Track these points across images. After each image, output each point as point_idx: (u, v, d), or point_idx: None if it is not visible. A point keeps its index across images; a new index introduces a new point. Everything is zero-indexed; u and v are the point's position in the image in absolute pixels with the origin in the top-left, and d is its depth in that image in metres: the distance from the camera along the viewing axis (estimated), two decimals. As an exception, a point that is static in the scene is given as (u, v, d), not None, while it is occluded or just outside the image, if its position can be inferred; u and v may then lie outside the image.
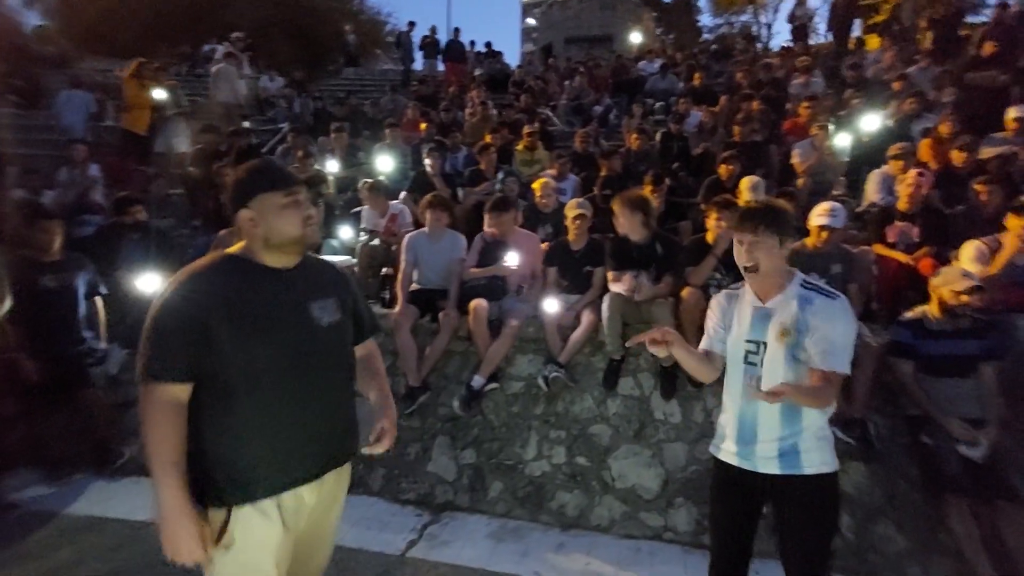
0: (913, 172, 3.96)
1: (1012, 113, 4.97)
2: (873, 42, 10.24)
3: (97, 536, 2.92)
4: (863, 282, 3.68)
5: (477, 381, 3.49)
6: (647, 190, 4.56)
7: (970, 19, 10.47)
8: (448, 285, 3.82)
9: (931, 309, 2.90)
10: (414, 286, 3.93)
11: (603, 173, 5.43)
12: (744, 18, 27.78)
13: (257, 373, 1.43)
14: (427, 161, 5.68)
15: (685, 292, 3.44)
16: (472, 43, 14.29)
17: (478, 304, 3.53)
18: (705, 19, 30.16)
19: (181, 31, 15.72)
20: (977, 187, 3.88)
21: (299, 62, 14.91)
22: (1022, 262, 3.13)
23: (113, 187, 5.28)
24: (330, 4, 19.57)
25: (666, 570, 2.83)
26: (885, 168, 4.74)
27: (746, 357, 1.88)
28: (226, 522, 1.42)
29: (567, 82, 10.37)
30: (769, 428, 1.82)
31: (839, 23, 11.00)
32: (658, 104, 9.05)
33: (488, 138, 6.32)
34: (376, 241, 4.72)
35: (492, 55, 13.72)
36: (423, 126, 7.18)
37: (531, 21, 25.73)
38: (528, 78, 11.27)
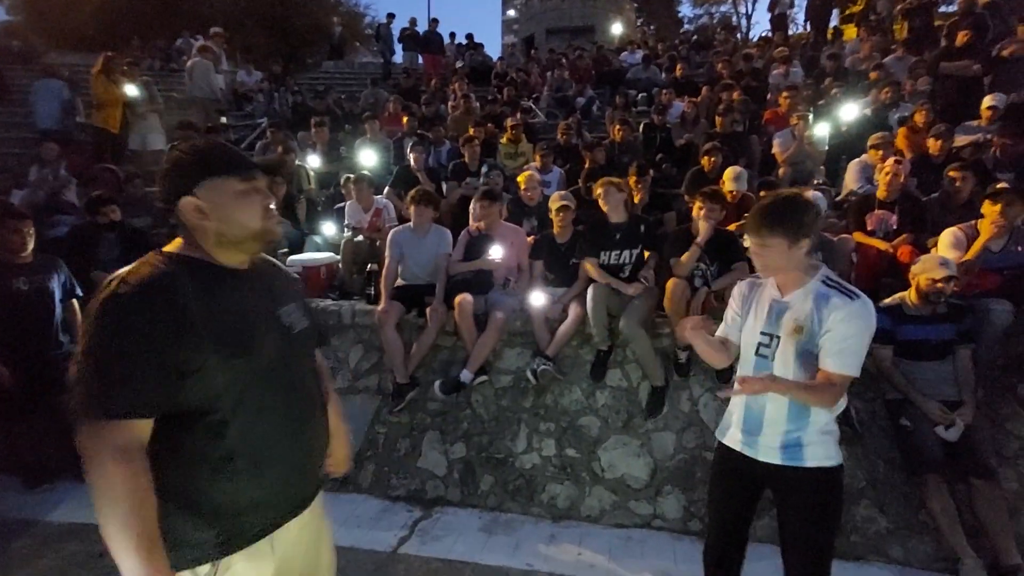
0: (891, 160, 4.02)
1: (986, 102, 5.07)
2: (850, 32, 10.36)
3: (80, 543, 2.84)
4: (843, 270, 3.73)
5: (465, 375, 3.48)
6: (631, 181, 4.58)
7: (945, 9, 10.63)
8: (434, 280, 3.79)
9: (909, 295, 2.97)
10: (399, 282, 3.90)
11: (587, 165, 5.43)
12: (724, 8, 27.98)
13: (241, 395, 1.20)
14: (410, 156, 5.63)
15: (670, 283, 3.46)
16: (452, 35, 14.17)
17: (463, 298, 3.52)
18: (685, 9, 30.34)
19: (154, 25, 15.33)
20: (951, 173, 3.95)
21: (277, 55, 14.65)
22: (997, 248, 3.20)
23: (86, 186, 5.13)
24: (307, -4, 19.25)
25: (656, 557, 2.87)
26: (864, 157, 4.81)
27: (757, 349, 1.86)
28: None
29: (549, 73, 10.33)
30: (775, 421, 1.82)
31: (817, 13, 11.11)
32: (640, 95, 9.07)
33: (472, 131, 6.28)
34: (360, 237, 4.68)
35: (473, 47, 13.60)
36: (404, 120, 7.11)
37: (512, 12, 25.55)
38: (510, 70, 11.20)
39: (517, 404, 3.56)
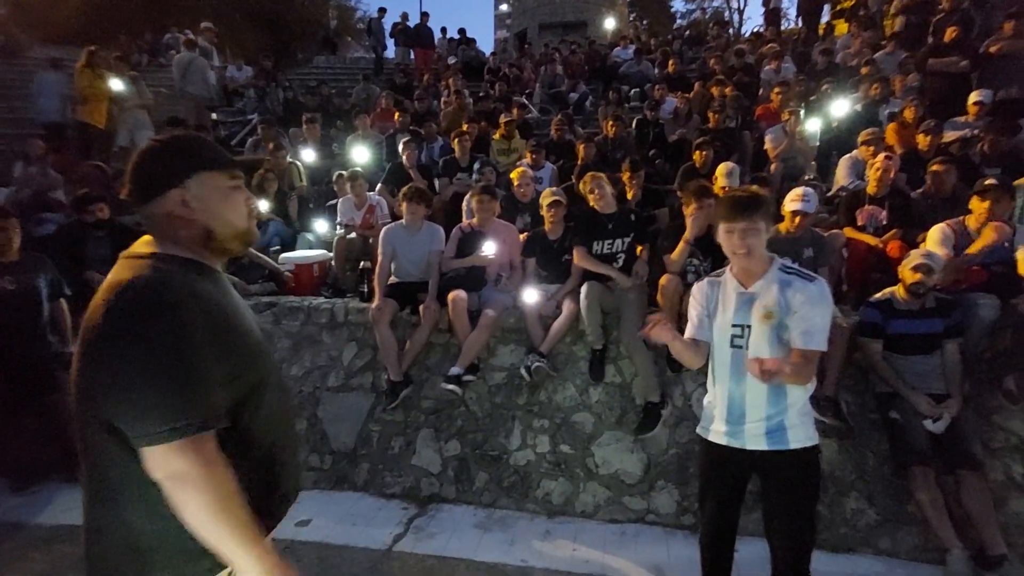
0: (881, 156, 4.05)
1: (973, 97, 5.11)
2: (841, 27, 10.38)
3: (70, 546, 2.83)
4: (833, 265, 3.77)
5: (455, 370, 3.48)
6: (624, 177, 4.59)
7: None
8: (427, 277, 3.79)
9: (898, 290, 3.00)
10: (392, 279, 3.89)
11: (580, 161, 5.43)
12: (716, 3, 27.99)
13: (259, 399, 1.17)
14: (403, 153, 5.61)
15: (664, 279, 3.48)
16: (444, 30, 14.08)
17: (457, 295, 3.52)
18: (678, 4, 30.40)
19: (142, 19, 15.13)
20: (933, 167, 3.99)
21: (267, 50, 14.50)
22: (983, 243, 3.23)
23: (74, 184, 5.07)
24: (298, -11, 19.06)
25: (650, 551, 2.90)
26: (854, 153, 4.84)
27: (732, 341, 1.97)
28: None
29: (542, 69, 10.30)
30: (757, 408, 1.93)
31: (809, 8, 11.14)
32: (633, 91, 9.07)
33: (465, 127, 6.26)
34: (352, 234, 4.66)
35: (466, 42, 13.53)
36: (396, 116, 7.07)
37: (504, 7, 25.42)
38: (503, 65, 11.16)
39: (511, 401, 3.57)
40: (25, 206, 4.88)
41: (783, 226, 3.61)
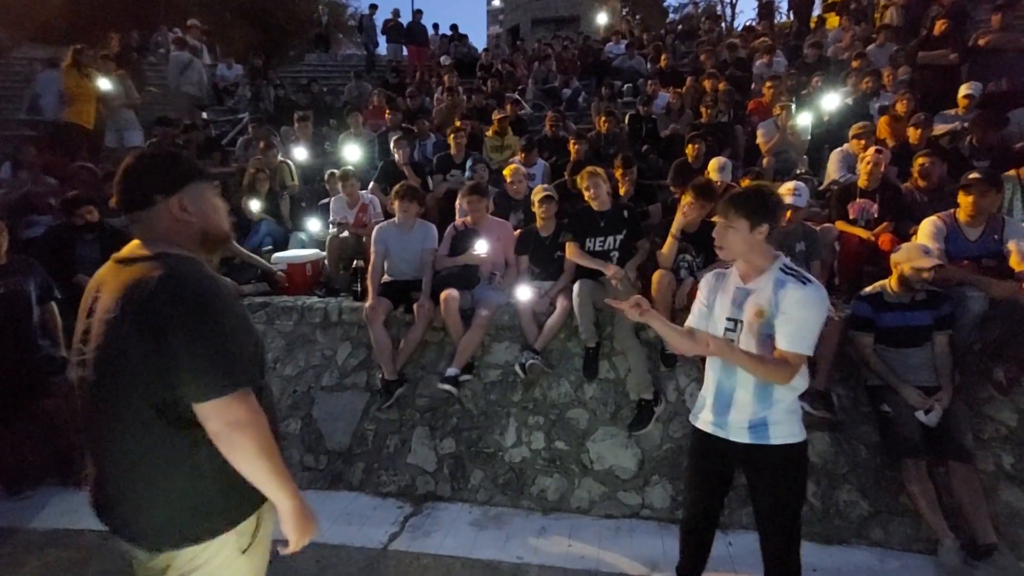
0: (872, 150, 4.07)
1: (963, 90, 5.14)
2: (833, 21, 10.40)
3: (64, 549, 2.82)
4: (825, 259, 3.78)
5: (451, 371, 3.48)
6: (617, 173, 4.59)
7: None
8: (420, 275, 3.78)
9: (890, 283, 3.01)
10: (385, 278, 3.88)
11: (573, 158, 5.42)
12: (708, -3, 27.93)
13: (262, 385, 1.39)
14: (395, 151, 5.58)
15: (656, 274, 3.49)
16: (436, 26, 14.01)
17: (449, 294, 3.51)
18: (670, -1, 30.22)
19: (129, 17, 14.97)
20: (918, 160, 4.01)
21: (257, 48, 14.39)
22: (974, 236, 3.25)
23: (63, 185, 5.02)
24: (287, -13, 18.90)
25: (644, 546, 2.90)
26: (846, 146, 4.86)
27: (724, 333, 2.00)
28: (257, 526, 1.39)
29: (536, 64, 10.27)
30: (743, 401, 1.97)
31: (800, 2, 11.14)
32: (626, 86, 9.06)
33: (458, 124, 6.23)
34: (345, 233, 4.64)
35: (458, 38, 13.47)
36: (388, 114, 7.04)
37: (497, 2, 25.30)
38: (495, 62, 11.12)
39: (506, 398, 3.57)
40: (12, 209, 4.82)
41: (775, 221, 3.63)
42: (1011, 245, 3.15)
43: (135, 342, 1.20)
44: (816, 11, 11.60)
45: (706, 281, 2.14)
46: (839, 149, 4.93)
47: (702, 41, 10.70)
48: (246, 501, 1.33)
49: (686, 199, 3.48)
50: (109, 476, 1.30)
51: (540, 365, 3.44)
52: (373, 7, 13.44)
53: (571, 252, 3.61)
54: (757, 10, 12.53)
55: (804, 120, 5.70)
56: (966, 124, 4.91)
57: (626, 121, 6.80)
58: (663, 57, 9.22)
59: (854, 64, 6.69)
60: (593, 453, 3.37)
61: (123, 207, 1.34)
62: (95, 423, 1.30)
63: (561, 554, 2.85)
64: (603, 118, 6.29)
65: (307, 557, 2.74)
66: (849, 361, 3.23)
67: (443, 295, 3.52)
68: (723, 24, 17.52)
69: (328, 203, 5.15)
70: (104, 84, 6.37)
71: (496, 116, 6.55)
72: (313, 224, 5.14)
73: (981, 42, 5.57)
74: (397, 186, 3.95)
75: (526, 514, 3.24)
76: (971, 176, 3.21)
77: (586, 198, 3.69)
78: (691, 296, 3.31)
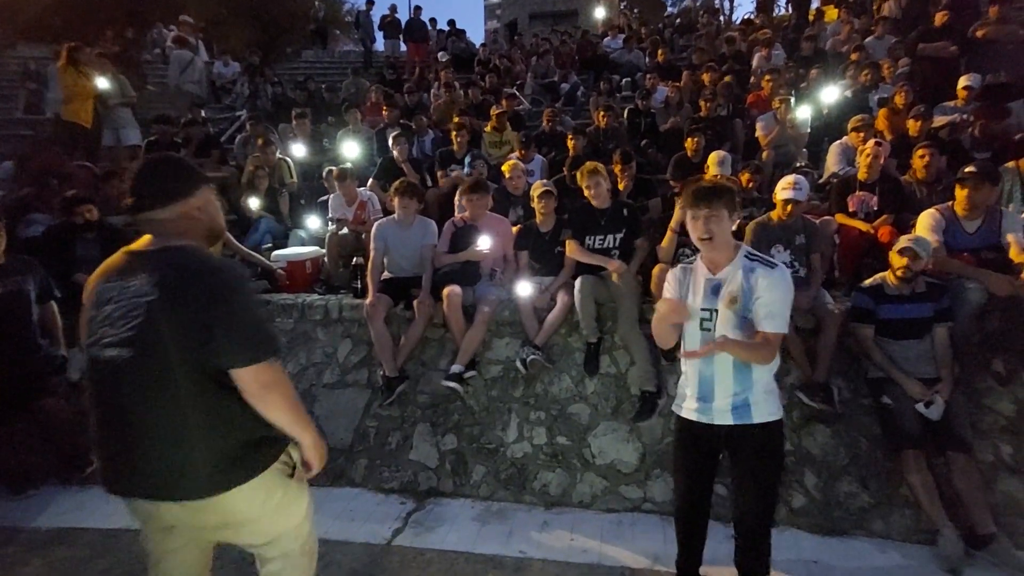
0: (871, 142, 4.06)
1: (962, 82, 5.13)
2: (831, 13, 10.37)
3: (68, 548, 2.83)
4: (825, 251, 3.79)
5: (456, 368, 3.48)
6: (616, 168, 4.58)
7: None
8: (419, 272, 3.78)
9: (889, 275, 3.02)
10: (385, 275, 3.88)
11: (571, 153, 5.42)
12: (706, -10, 27.74)
13: None
14: (393, 148, 5.57)
15: (656, 269, 3.50)
16: (433, 21, 13.96)
17: (451, 291, 3.51)
18: (668, -9, 30.03)
19: (125, 14, 14.89)
20: (917, 152, 4.01)
21: (254, 45, 14.31)
22: (972, 229, 3.26)
23: (61, 184, 5.00)
24: (284, -18, 18.75)
25: (646, 539, 2.92)
26: (845, 139, 4.86)
27: (701, 324, 2.10)
28: (290, 455, 1.66)
29: (534, 59, 10.24)
30: (724, 386, 2.07)
31: (799, -6, 11.08)
32: (624, 80, 9.04)
33: (457, 119, 6.22)
34: (344, 230, 4.63)
35: (455, 33, 13.42)
36: (385, 111, 7.02)
37: (493, -3, 25.22)
38: (493, 57, 11.08)
39: (507, 394, 3.58)
40: (11, 208, 4.81)
41: (775, 214, 3.63)
42: (1010, 237, 3.16)
43: (178, 319, 1.40)
44: (815, 4, 11.55)
45: (673, 276, 2.24)
46: (838, 142, 4.93)
47: (700, 35, 10.68)
48: (277, 440, 1.61)
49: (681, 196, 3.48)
50: (149, 444, 1.46)
51: (541, 360, 3.45)
52: (370, 3, 13.39)
53: (572, 250, 3.61)
54: (755, 3, 12.47)
55: (803, 113, 5.70)
56: (965, 116, 4.91)
57: (625, 116, 6.80)
58: (660, 51, 9.20)
59: (853, 57, 6.67)
60: (595, 448, 3.38)
61: (140, 206, 1.51)
62: (130, 397, 1.45)
63: (563, 548, 2.86)
64: (602, 113, 6.28)
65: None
66: (849, 353, 3.24)
67: (445, 292, 3.52)
68: (721, 17, 17.46)
69: (327, 200, 5.14)
70: (101, 82, 6.34)
71: (494, 112, 6.54)
72: (312, 221, 5.14)
73: (979, 34, 5.56)
74: (397, 183, 3.94)
75: (528, 509, 3.25)
76: (966, 170, 3.21)
77: (586, 196, 3.68)
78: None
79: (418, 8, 12.93)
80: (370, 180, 5.54)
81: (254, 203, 5.13)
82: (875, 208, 4.01)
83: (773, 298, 1.97)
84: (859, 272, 3.75)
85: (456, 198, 4.47)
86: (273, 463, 1.59)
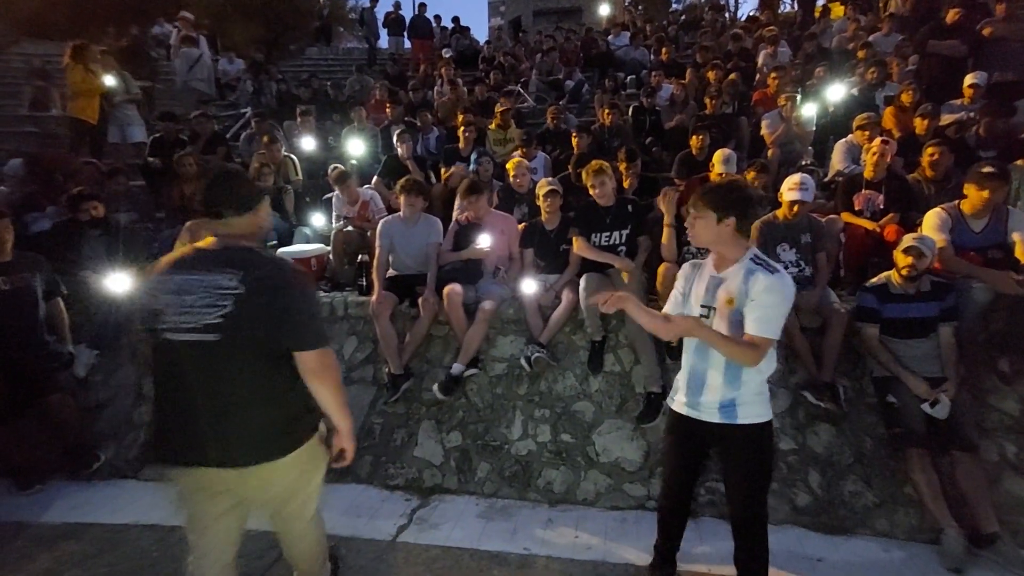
0: (878, 141, 4.04)
1: (969, 80, 5.10)
2: (838, 10, 10.31)
3: (75, 543, 2.85)
4: (831, 250, 3.78)
5: (457, 368, 3.49)
6: (621, 166, 4.58)
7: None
8: (425, 270, 3.78)
9: (894, 274, 3.01)
10: (390, 272, 3.88)
11: (576, 151, 5.41)
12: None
13: None
14: (398, 145, 5.57)
15: (661, 267, 3.50)
16: (438, 18, 13.93)
17: (451, 289, 3.52)
18: (674, -12, 29.89)
19: (128, 12, 14.90)
20: (927, 150, 3.99)
21: (258, 42, 14.32)
22: (978, 228, 3.24)
23: (67, 181, 5.02)
24: (287, -21, 18.74)
25: (650, 537, 2.85)
26: (850, 137, 4.84)
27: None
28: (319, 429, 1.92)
29: (538, 56, 10.22)
30: (715, 384, 2.10)
31: (804, -8, 11.04)
32: (629, 77, 9.01)
33: (461, 117, 6.22)
34: (350, 227, 4.64)
35: (459, 30, 13.40)
36: (388, 108, 7.01)
37: (497, -6, 25.16)
38: (498, 54, 11.07)
39: (512, 391, 3.59)
40: (17, 204, 4.83)
41: (780, 212, 3.63)
42: (1016, 236, 3.14)
43: (260, 310, 1.68)
44: (820, 0, 11.50)
45: (683, 271, 2.27)
46: (843, 140, 4.91)
47: (705, 31, 10.64)
48: (315, 414, 1.88)
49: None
50: (222, 416, 1.71)
51: (546, 358, 3.45)
52: (374, 0, 13.36)
53: (579, 246, 3.61)
54: (760, 0, 12.39)
55: (809, 111, 5.67)
56: (972, 114, 4.88)
57: (629, 113, 6.78)
58: (665, 49, 9.17)
59: (859, 54, 6.64)
60: (599, 445, 3.39)
61: (218, 212, 1.77)
62: (208, 376, 1.70)
63: (568, 545, 2.87)
64: (606, 110, 6.27)
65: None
66: (854, 352, 3.24)
67: (446, 290, 3.53)
68: (727, 14, 17.37)
69: (332, 198, 5.15)
70: (107, 80, 6.36)
71: (499, 109, 6.53)
72: (317, 219, 5.15)
73: (986, 32, 5.52)
74: (402, 180, 3.94)
75: (533, 506, 3.26)
76: (985, 170, 3.16)
77: (592, 194, 3.68)
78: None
79: (422, 5, 12.88)
80: (374, 178, 5.54)
81: (259, 201, 5.12)
82: (881, 207, 4.00)
83: (766, 302, 1.96)
84: (865, 271, 3.74)
85: (457, 200, 4.47)
86: (312, 436, 1.86)
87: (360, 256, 4.15)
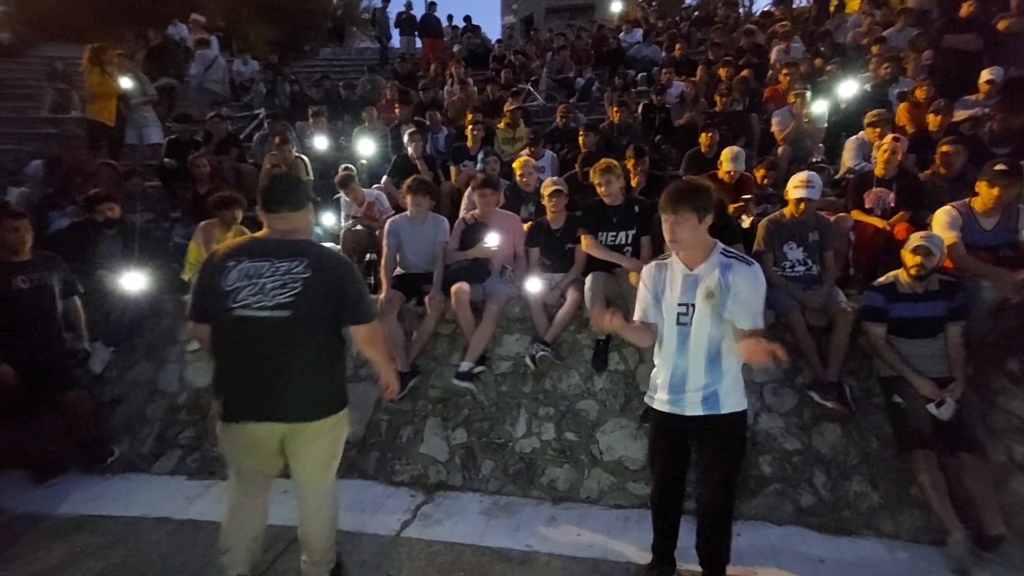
0: (889, 138, 3.99)
1: (984, 76, 5.00)
2: (853, 5, 10.14)
3: (90, 535, 2.92)
4: (840, 248, 3.74)
5: (465, 365, 3.53)
6: (629, 164, 4.57)
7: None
8: (432, 269, 3.82)
9: (902, 273, 2.98)
10: (398, 271, 3.93)
11: (583, 150, 5.41)
12: (726, -18, 27.26)
13: None
14: (408, 144, 5.61)
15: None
16: (450, 17, 13.97)
17: (459, 288, 3.55)
18: (687, -16, 29.57)
19: (145, 14, 15.16)
20: (942, 148, 3.93)
21: (273, 43, 14.49)
22: (989, 226, 3.19)
23: (84, 182, 5.14)
24: (301, -20, 18.93)
25: (652, 535, 2.92)
26: (861, 134, 4.78)
27: (678, 319, 2.18)
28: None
29: (549, 54, 10.20)
30: (696, 378, 2.17)
31: (820, -14, 10.85)
32: (641, 75, 8.96)
33: (470, 116, 6.24)
34: (359, 227, 4.69)
35: (471, 29, 13.42)
36: (397, 108, 7.06)
37: (510, -8, 25.12)
38: (508, 52, 11.07)
39: (517, 390, 3.61)
40: (36, 205, 4.96)
41: (787, 211, 3.60)
42: None
43: (325, 290, 2.04)
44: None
45: (648, 272, 2.32)
46: (854, 137, 4.85)
47: (718, 27, 10.53)
48: (346, 391, 2.28)
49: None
50: (290, 379, 2.04)
51: (550, 357, 3.47)
52: (386, 0, 13.43)
53: (587, 244, 3.62)
54: (774, -6, 12.21)
55: (820, 108, 5.60)
56: (987, 110, 4.78)
57: (639, 111, 6.75)
58: (678, 46, 9.10)
59: (874, 49, 6.53)
60: (603, 444, 3.40)
61: (275, 209, 2.09)
62: (280, 346, 2.02)
63: (570, 543, 2.89)
64: (615, 108, 6.25)
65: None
66: (860, 352, 3.21)
67: (453, 289, 3.56)
68: (740, 10, 17.16)
69: (340, 198, 5.21)
70: (124, 82, 6.49)
71: (507, 108, 6.54)
72: (328, 218, 5.21)
73: (1000, 26, 5.40)
74: (409, 180, 3.98)
75: (536, 504, 3.28)
76: (997, 168, 3.12)
77: (598, 193, 3.69)
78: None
79: (432, 4, 12.93)
80: (383, 178, 5.59)
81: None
82: (892, 205, 3.95)
83: (753, 296, 2.05)
84: (875, 269, 3.70)
85: (465, 195, 4.49)
86: (346, 407, 2.22)
87: (368, 255, 4.20)
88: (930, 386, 2.80)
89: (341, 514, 2.98)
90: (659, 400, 2.29)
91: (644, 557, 2.72)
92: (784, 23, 8.63)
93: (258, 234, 2.18)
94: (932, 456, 2.73)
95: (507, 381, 3.65)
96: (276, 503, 2.62)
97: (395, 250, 3.89)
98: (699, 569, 2.40)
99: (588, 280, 3.47)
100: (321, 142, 6.51)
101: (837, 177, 4.95)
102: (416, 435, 3.64)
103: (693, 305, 2.14)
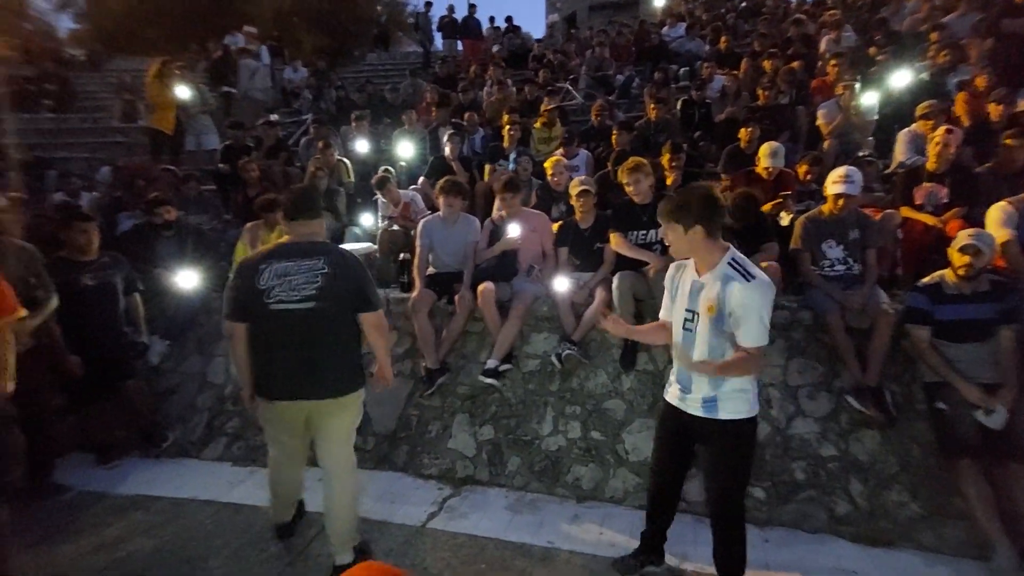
0: (941, 130, 3.78)
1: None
2: (913, -12, 9.55)
3: (144, 513, 3.17)
4: (887, 247, 3.57)
5: (491, 363, 3.59)
6: (664, 160, 4.50)
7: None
8: (463, 268, 3.90)
9: (949, 273, 2.82)
10: (430, 270, 4.02)
11: (615, 148, 5.36)
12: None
13: None
14: (446, 146, 5.73)
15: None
16: (492, 19, 14.10)
17: (486, 287, 3.61)
18: (735, -26, 28.61)
19: (207, 26, 16.06)
20: (1006, 140, 3.67)
21: (323, 51, 15.04)
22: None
23: (146, 187, 5.53)
24: (350, -11, 19.56)
25: (677, 538, 2.84)
26: (913, 127, 4.53)
27: (684, 324, 2.21)
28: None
29: (588, 51, 10.12)
30: (698, 383, 2.20)
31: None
32: (683, 70, 8.77)
33: (506, 116, 6.30)
34: (395, 227, 4.83)
35: (512, 30, 13.49)
36: (434, 111, 7.20)
37: (554, -10, 25.06)
38: (548, 51, 11.06)
39: (544, 388, 3.64)
40: (106, 208, 5.37)
41: (826, 208, 3.47)
42: None
43: (342, 284, 2.39)
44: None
45: (669, 272, 2.34)
46: (907, 130, 4.60)
47: (766, 18, 10.15)
48: (363, 372, 2.60)
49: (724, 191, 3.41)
50: (322, 361, 2.41)
51: (577, 356, 3.48)
52: (428, 4, 13.69)
53: (616, 243, 3.61)
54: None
55: (869, 99, 5.33)
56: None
57: (678, 107, 6.62)
58: (723, 39, 8.85)
59: (932, 36, 6.15)
60: (628, 444, 3.38)
61: (297, 216, 2.45)
62: (311, 333, 2.38)
63: (592, 541, 2.90)
64: (653, 105, 6.15)
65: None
66: (904, 355, 3.06)
67: (480, 288, 3.62)
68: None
69: (378, 199, 5.37)
70: (183, 92, 6.92)
71: (544, 107, 6.55)
72: (367, 219, 5.39)
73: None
74: (441, 181, 4.07)
75: (560, 501, 3.30)
76: None
77: (627, 192, 3.66)
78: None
79: (473, 6, 13.09)
80: (420, 179, 5.72)
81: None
82: (945, 200, 3.73)
83: (749, 313, 2.00)
84: (923, 269, 3.50)
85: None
86: (364, 386, 2.55)
87: (402, 254, 4.32)
88: (977, 392, 2.64)
89: (370, 503, 3.13)
90: (671, 394, 2.34)
91: (667, 559, 2.70)
92: (834, 11, 8.24)
93: (282, 239, 2.53)
94: (978, 466, 2.57)
95: (535, 379, 3.69)
96: (309, 491, 2.78)
97: (428, 250, 3.99)
98: (702, 569, 2.43)
99: (615, 279, 3.45)
100: (363, 145, 6.74)
101: (888, 172, 4.71)
102: (445, 430, 3.73)
103: (697, 313, 2.14)
